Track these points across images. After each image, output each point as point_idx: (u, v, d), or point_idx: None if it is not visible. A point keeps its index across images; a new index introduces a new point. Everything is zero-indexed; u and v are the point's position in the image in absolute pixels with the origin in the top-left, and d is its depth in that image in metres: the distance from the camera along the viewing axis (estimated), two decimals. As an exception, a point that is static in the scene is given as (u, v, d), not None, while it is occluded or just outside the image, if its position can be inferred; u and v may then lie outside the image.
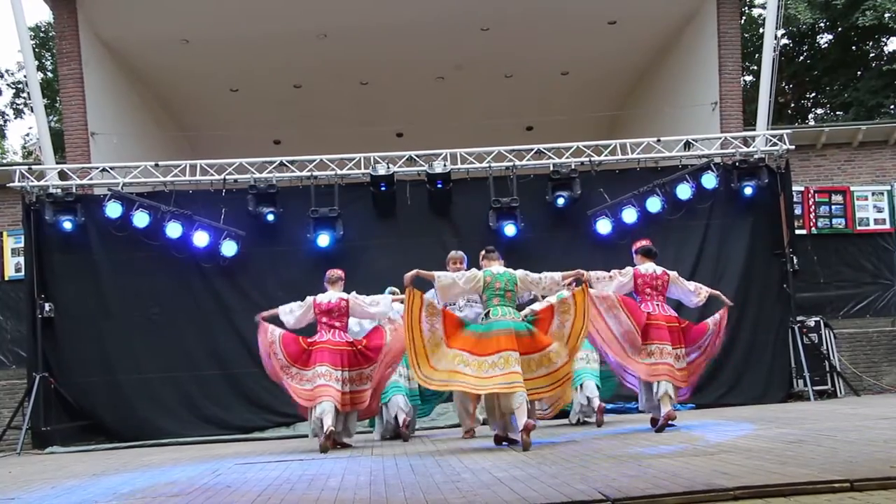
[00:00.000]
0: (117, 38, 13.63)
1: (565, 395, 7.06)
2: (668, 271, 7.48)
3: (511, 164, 10.99)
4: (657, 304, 7.29)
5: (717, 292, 7.66)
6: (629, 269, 7.41)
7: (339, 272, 7.86)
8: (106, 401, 10.43)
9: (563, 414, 8.44)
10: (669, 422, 6.93)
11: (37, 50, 21.90)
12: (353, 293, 7.73)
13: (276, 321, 7.70)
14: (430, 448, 7.04)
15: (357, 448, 7.53)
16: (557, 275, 6.98)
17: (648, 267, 7.43)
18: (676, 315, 7.48)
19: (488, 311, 6.71)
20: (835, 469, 4.06)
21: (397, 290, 8.00)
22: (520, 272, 6.90)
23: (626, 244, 8.11)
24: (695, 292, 7.50)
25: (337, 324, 7.56)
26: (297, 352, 7.46)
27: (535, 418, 6.52)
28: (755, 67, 20.43)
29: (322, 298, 7.65)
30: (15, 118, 25.70)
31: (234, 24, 13.24)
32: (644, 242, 7.68)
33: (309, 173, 10.84)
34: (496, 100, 16.04)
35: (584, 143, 11.22)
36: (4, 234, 12.72)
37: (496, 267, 6.92)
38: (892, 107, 20.21)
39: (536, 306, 7.18)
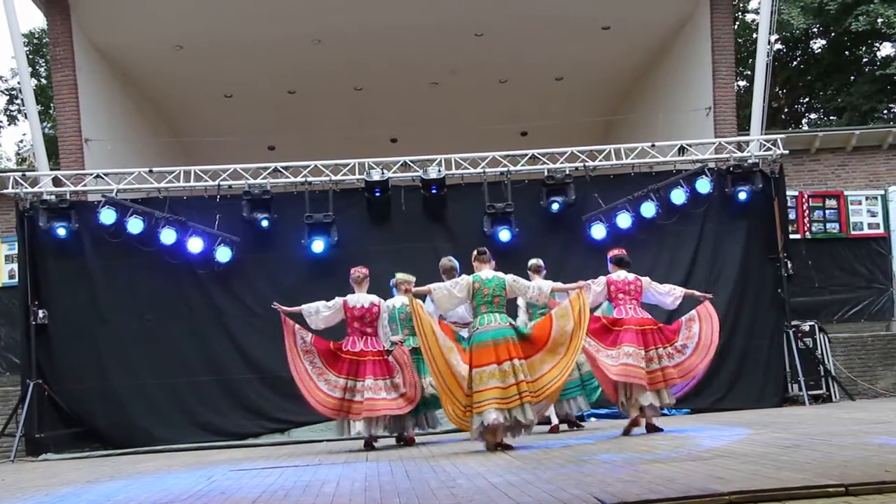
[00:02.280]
0: (111, 45, 13.61)
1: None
2: (641, 277, 7.68)
3: (505, 169, 10.98)
4: (630, 308, 7.49)
5: (691, 291, 7.85)
6: (601, 278, 7.64)
7: (364, 270, 7.73)
8: (100, 407, 10.39)
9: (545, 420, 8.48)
10: (652, 422, 7.13)
11: (30, 56, 21.90)
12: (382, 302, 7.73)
13: (296, 319, 7.64)
14: (424, 453, 7.03)
15: (352, 454, 7.52)
16: (546, 285, 7.02)
17: (620, 274, 7.65)
18: (651, 318, 7.58)
19: (477, 320, 6.68)
20: (830, 474, 4.05)
21: (410, 279, 7.93)
22: (509, 277, 6.87)
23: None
24: (669, 293, 7.70)
25: (369, 330, 7.51)
26: (331, 358, 7.46)
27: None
28: (749, 72, 20.47)
29: (353, 302, 7.52)
30: (9, 125, 25.74)
31: (227, 30, 13.24)
32: (617, 252, 7.89)
33: (303, 179, 10.84)
34: (491, 105, 16.05)
35: (579, 148, 11.22)
36: (-2, 240, 12.70)
37: (486, 271, 6.85)
38: (885, 111, 20.30)
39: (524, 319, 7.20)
